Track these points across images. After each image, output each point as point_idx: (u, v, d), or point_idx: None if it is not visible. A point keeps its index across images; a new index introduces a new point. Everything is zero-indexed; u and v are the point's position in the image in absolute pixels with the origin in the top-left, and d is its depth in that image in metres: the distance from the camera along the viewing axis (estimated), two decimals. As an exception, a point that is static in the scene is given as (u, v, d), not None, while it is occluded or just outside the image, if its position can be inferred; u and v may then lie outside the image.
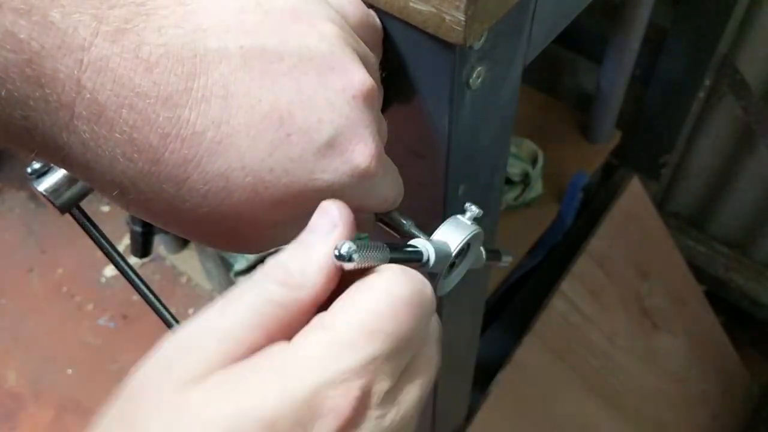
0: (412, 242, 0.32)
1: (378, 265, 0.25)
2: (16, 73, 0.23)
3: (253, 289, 0.24)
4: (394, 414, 0.24)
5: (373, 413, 0.23)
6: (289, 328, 0.24)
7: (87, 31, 0.23)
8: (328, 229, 0.25)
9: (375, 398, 0.23)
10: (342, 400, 0.22)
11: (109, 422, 0.23)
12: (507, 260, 0.43)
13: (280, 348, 0.23)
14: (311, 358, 0.22)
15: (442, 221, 0.36)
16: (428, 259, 0.31)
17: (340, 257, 0.24)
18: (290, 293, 0.24)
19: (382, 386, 0.23)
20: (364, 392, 0.22)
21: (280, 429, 0.21)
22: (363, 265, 0.25)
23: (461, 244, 0.34)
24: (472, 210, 0.34)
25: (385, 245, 0.27)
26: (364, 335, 0.23)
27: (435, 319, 0.27)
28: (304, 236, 0.25)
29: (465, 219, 0.35)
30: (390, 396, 0.24)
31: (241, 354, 0.23)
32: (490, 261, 0.40)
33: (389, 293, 0.24)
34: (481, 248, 0.38)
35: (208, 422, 0.21)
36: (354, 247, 0.24)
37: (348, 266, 0.24)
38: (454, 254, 0.33)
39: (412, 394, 0.25)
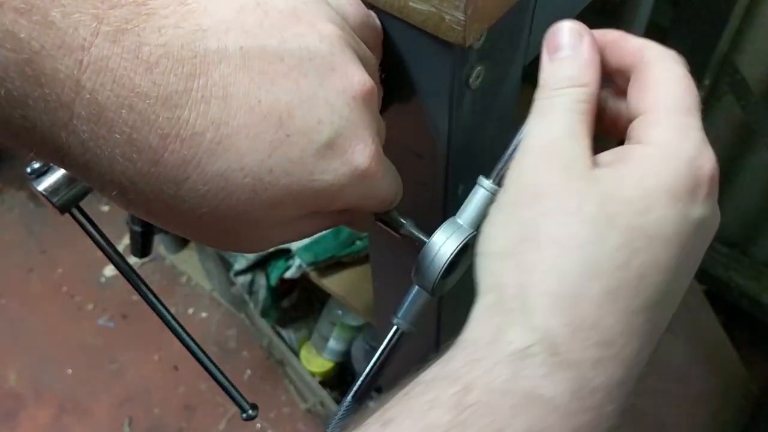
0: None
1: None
2: (15, 73, 0.23)
3: (560, 98, 0.30)
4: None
5: (717, 175, 0.29)
6: (593, 120, 0.30)
7: (87, 31, 0.23)
8: (575, 41, 0.32)
9: (715, 162, 0.29)
10: (710, 164, 0.28)
11: (528, 198, 0.28)
12: None
13: (643, 148, 0.29)
14: (674, 145, 0.28)
15: (442, 221, 0.36)
16: (404, 331, 0.34)
17: None
18: (586, 91, 0.30)
19: (711, 153, 0.29)
20: (712, 157, 0.29)
21: (679, 194, 0.27)
22: None
23: (452, 254, 0.34)
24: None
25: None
26: (690, 111, 0.30)
27: None
28: (559, 54, 0.32)
29: (461, 221, 0.35)
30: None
31: (590, 149, 0.29)
32: None
33: (677, 81, 0.30)
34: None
35: (630, 194, 0.27)
36: None
37: None
38: (444, 267, 0.34)
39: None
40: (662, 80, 0.30)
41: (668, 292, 0.28)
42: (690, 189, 0.27)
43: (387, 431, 0.26)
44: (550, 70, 0.31)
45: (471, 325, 0.28)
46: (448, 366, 0.27)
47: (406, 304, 0.36)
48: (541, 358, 0.26)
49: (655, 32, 1.05)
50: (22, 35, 0.23)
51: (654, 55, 0.31)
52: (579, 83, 0.30)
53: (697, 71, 1.06)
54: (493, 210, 0.30)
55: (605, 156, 0.30)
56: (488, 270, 0.29)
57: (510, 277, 0.28)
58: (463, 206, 0.34)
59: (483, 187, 0.33)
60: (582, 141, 0.29)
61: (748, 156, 1.20)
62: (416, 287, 0.35)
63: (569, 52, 0.31)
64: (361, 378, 0.34)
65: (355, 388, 0.35)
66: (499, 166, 0.32)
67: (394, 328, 0.36)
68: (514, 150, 0.31)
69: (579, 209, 0.27)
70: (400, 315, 0.36)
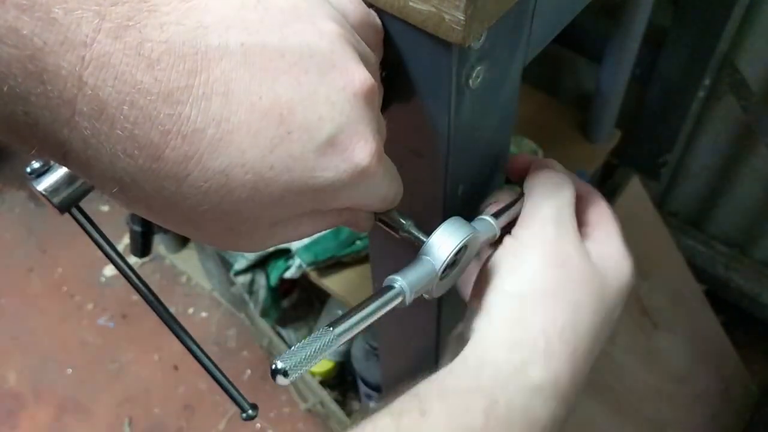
0: (388, 281, 0.33)
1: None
2: (18, 69, 0.23)
3: (566, 191, 0.41)
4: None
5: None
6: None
7: (89, 28, 0.23)
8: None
9: None
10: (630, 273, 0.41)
11: (549, 258, 0.38)
12: None
13: (607, 249, 0.42)
14: (622, 263, 0.43)
15: (442, 220, 0.36)
16: (405, 298, 0.33)
17: (274, 373, 0.27)
18: (573, 197, 0.41)
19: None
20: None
21: (625, 289, 0.42)
22: (308, 368, 0.28)
23: (451, 254, 0.34)
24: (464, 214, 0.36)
25: (325, 330, 0.29)
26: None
27: None
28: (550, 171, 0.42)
29: (459, 221, 0.35)
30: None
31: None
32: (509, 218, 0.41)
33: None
34: (491, 221, 0.38)
35: (605, 271, 0.41)
36: (285, 364, 0.27)
37: (287, 381, 0.27)
38: (441, 270, 0.34)
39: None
40: (603, 211, 0.45)
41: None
42: (624, 289, 0.44)
43: (426, 419, 0.33)
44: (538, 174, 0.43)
45: (495, 350, 0.36)
46: (479, 381, 0.35)
47: (413, 270, 0.34)
48: (548, 393, 0.36)
49: (656, 32, 1.05)
50: (25, 32, 0.23)
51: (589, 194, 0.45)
52: (573, 188, 0.42)
53: (697, 71, 1.06)
54: (529, 254, 0.38)
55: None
56: (514, 307, 0.37)
57: (537, 321, 0.36)
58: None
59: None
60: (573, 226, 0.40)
61: (748, 156, 1.20)
62: (425, 258, 0.34)
63: (556, 173, 0.43)
64: (346, 313, 0.32)
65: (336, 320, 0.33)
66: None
67: (392, 289, 0.34)
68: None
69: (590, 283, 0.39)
70: (402, 275, 0.34)
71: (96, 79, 0.24)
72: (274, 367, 0.26)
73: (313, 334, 0.29)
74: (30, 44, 0.23)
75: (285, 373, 0.26)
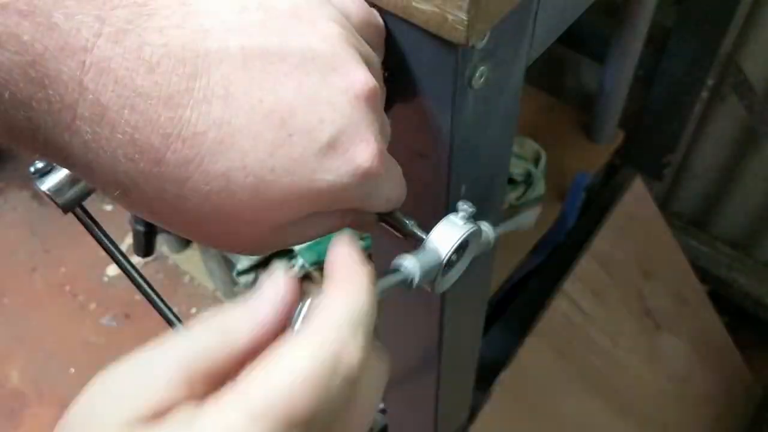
0: (397, 261, 0.32)
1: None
2: (19, 75, 0.23)
3: (185, 339, 0.24)
4: None
5: None
6: (215, 377, 0.23)
7: (90, 32, 0.23)
8: (274, 297, 0.25)
9: None
10: None
11: None
12: (529, 217, 0.43)
13: (186, 413, 0.22)
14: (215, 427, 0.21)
15: (443, 221, 0.36)
16: (413, 280, 0.32)
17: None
18: (222, 341, 0.24)
19: None
20: None
21: None
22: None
23: (452, 249, 0.34)
24: (465, 209, 0.34)
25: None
26: (272, 416, 0.21)
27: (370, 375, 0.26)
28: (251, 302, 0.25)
29: (458, 219, 0.35)
30: None
31: (160, 409, 0.22)
32: (505, 230, 0.40)
33: (296, 372, 0.22)
34: (487, 229, 0.38)
35: None
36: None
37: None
38: (444, 260, 0.33)
39: None
40: (268, 368, 0.23)
41: None
42: None
43: None
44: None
45: None
46: None
47: (419, 253, 0.33)
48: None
49: (659, 32, 1.05)
50: (26, 37, 0.23)
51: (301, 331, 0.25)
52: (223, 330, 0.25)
53: (700, 72, 1.06)
54: None
55: None
56: None
57: None
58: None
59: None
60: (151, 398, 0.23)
61: (752, 156, 1.20)
62: (430, 246, 0.34)
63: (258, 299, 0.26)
64: None
65: None
66: None
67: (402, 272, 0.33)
68: None
69: None
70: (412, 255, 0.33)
71: (96, 84, 0.24)
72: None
73: None
74: (31, 50, 0.23)
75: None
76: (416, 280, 0.32)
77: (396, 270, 0.32)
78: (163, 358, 0.23)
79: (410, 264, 0.32)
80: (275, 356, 0.23)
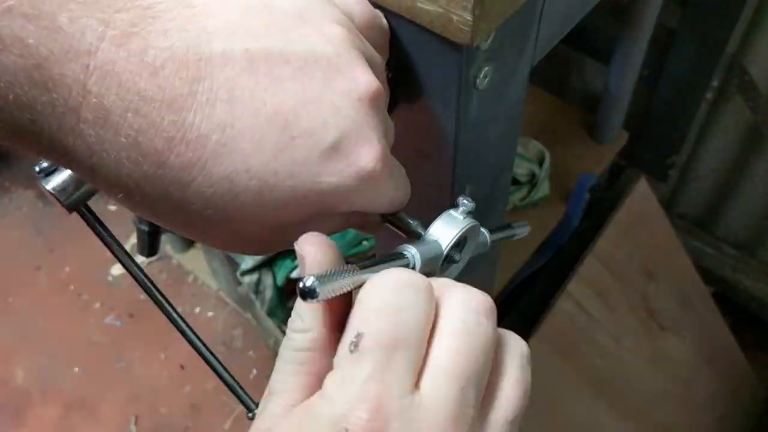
0: (399, 248, 0.32)
1: (354, 288, 0.27)
2: (23, 78, 0.23)
3: (286, 343, 0.28)
4: (422, 411, 0.25)
5: (400, 403, 0.24)
6: (322, 364, 0.27)
7: (94, 36, 0.23)
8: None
9: (393, 407, 0.24)
10: (361, 422, 0.24)
11: None
12: (523, 232, 0.43)
13: (305, 402, 0.26)
14: (322, 400, 0.25)
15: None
16: (414, 266, 0.31)
17: (303, 294, 0.25)
18: (304, 337, 0.27)
19: (393, 392, 0.24)
20: (373, 410, 0.24)
21: None
22: (334, 295, 0.26)
23: (452, 242, 0.34)
24: (465, 204, 0.34)
25: (354, 267, 0.27)
26: (349, 360, 0.25)
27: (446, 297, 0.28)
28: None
29: (458, 214, 0.35)
30: (411, 398, 0.25)
31: (298, 397, 0.27)
32: (499, 238, 0.40)
33: (361, 313, 0.26)
34: (484, 231, 0.37)
35: None
36: (316, 281, 0.25)
37: (314, 302, 0.25)
38: (445, 252, 0.33)
39: (438, 380, 0.25)
40: (351, 312, 0.26)
41: None
42: None
43: None
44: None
45: None
46: None
47: (420, 244, 0.34)
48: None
49: (664, 33, 1.05)
50: (30, 41, 0.23)
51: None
52: (302, 329, 0.28)
53: (705, 72, 1.06)
54: None
55: None
56: None
57: None
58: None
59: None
60: (278, 398, 0.27)
61: (757, 157, 1.19)
62: (430, 239, 0.34)
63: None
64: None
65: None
66: None
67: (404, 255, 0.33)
68: None
69: None
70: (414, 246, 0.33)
71: (100, 87, 0.24)
72: (302, 285, 0.25)
73: (340, 269, 0.28)
74: (36, 53, 0.23)
75: (313, 294, 0.26)
76: (418, 266, 0.32)
77: (399, 254, 0.32)
78: (278, 363, 0.28)
79: (412, 251, 0.32)
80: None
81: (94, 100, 0.24)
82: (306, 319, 0.27)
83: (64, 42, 0.23)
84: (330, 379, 0.25)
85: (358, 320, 0.25)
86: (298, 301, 0.27)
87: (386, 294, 0.26)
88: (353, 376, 0.24)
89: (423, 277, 0.27)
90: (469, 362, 0.26)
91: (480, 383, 0.26)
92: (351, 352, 0.25)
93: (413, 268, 0.32)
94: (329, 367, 0.26)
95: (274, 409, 0.27)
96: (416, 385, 0.25)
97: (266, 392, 0.28)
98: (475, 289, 0.28)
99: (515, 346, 0.29)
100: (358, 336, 0.25)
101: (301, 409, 0.26)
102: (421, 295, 0.26)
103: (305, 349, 0.27)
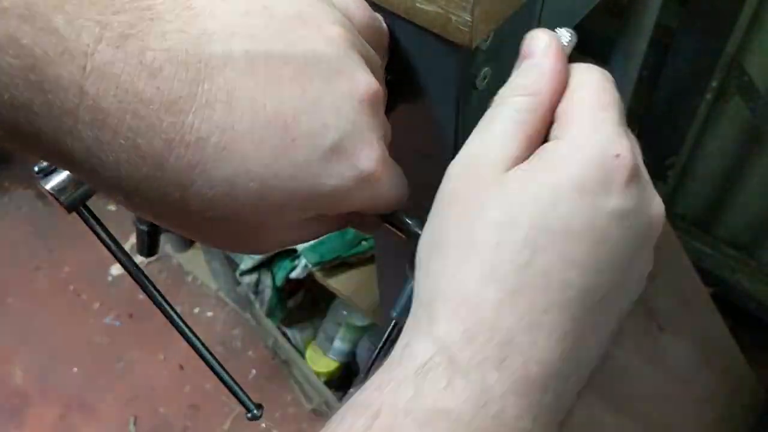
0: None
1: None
2: (20, 79, 0.23)
3: (503, 107, 0.30)
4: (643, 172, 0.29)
5: (640, 165, 0.29)
6: (541, 127, 0.29)
7: (90, 38, 0.23)
8: (543, 50, 0.30)
9: (637, 153, 0.29)
10: (626, 153, 0.27)
11: (444, 205, 0.29)
12: None
13: (555, 143, 0.28)
14: (584, 136, 0.28)
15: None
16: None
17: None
18: (533, 100, 0.29)
19: (631, 143, 0.29)
20: (629, 146, 0.28)
21: (588, 186, 0.26)
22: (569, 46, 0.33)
23: None
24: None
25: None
26: (604, 108, 0.29)
27: None
28: (525, 62, 0.31)
29: None
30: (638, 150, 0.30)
31: (520, 154, 0.28)
32: None
33: (593, 82, 0.30)
34: None
35: (534, 191, 0.27)
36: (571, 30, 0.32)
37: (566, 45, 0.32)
38: None
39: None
40: (579, 84, 0.30)
41: (590, 288, 0.26)
42: (601, 180, 0.27)
43: None
44: (509, 79, 0.31)
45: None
46: (362, 394, 0.26)
47: (404, 298, 0.36)
48: (441, 370, 0.25)
49: (663, 33, 1.05)
50: (25, 41, 0.22)
51: (576, 67, 0.31)
52: (528, 92, 0.30)
53: (704, 73, 1.06)
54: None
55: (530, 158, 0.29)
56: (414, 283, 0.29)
57: (422, 288, 0.28)
58: None
59: None
60: (508, 147, 0.28)
61: (756, 158, 1.19)
62: (412, 282, 0.35)
63: (530, 61, 0.31)
64: (365, 372, 0.34)
65: (358, 382, 0.35)
66: None
67: (393, 322, 0.36)
68: None
69: (482, 213, 0.27)
70: (398, 310, 0.36)
71: (97, 89, 0.23)
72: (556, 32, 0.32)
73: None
74: (31, 54, 0.23)
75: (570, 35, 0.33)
76: None
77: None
78: (495, 126, 0.29)
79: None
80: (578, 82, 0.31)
81: (91, 101, 0.24)
82: (536, 81, 0.30)
83: (60, 43, 0.23)
84: (582, 123, 0.28)
85: (595, 88, 0.30)
86: (527, 64, 0.31)
87: (605, 78, 0.30)
88: (611, 120, 0.28)
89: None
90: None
91: None
92: (599, 105, 0.29)
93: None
94: (542, 134, 0.29)
95: (509, 151, 0.28)
96: None
97: (470, 153, 0.29)
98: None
99: None
100: (602, 95, 0.29)
101: (550, 148, 0.28)
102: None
103: (530, 110, 0.29)
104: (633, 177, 0.27)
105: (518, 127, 0.29)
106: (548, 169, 0.27)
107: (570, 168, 0.27)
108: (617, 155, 0.27)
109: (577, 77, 0.30)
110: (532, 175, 0.27)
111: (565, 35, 0.33)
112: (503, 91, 0.30)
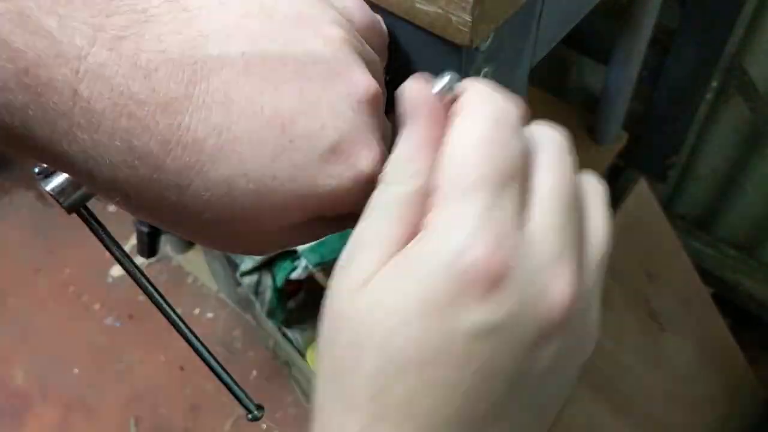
0: None
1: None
2: (13, 83, 0.23)
3: (380, 195, 0.27)
4: (538, 215, 0.25)
5: (514, 238, 0.24)
6: (421, 213, 0.26)
7: (84, 40, 0.23)
8: (414, 121, 0.27)
9: (509, 242, 0.23)
10: (483, 254, 0.23)
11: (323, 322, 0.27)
12: None
13: (413, 246, 0.25)
14: (437, 238, 0.24)
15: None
16: None
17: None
18: (413, 183, 0.26)
19: (507, 215, 0.24)
20: (492, 246, 0.23)
21: (436, 306, 0.23)
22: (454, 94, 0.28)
23: None
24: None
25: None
26: (472, 185, 0.24)
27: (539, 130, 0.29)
28: (403, 129, 0.28)
29: None
30: (521, 216, 0.25)
31: (395, 250, 0.25)
32: None
33: (461, 141, 0.25)
34: None
35: (380, 317, 0.24)
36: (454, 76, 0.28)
37: (450, 90, 0.28)
38: None
39: (545, 209, 0.25)
40: (448, 148, 0.25)
41: (471, 407, 0.23)
42: (453, 295, 0.23)
43: None
44: (393, 150, 0.28)
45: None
46: None
47: None
48: None
49: (663, 34, 1.05)
50: (18, 44, 0.22)
51: (462, 107, 0.26)
52: (408, 174, 0.26)
53: (704, 73, 1.06)
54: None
55: None
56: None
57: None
58: None
59: None
60: (376, 252, 0.25)
61: (756, 158, 1.19)
62: None
63: (409, 127, 0.27)
64: None
65: None
66: None
67: None
68: None
69: (338, 337, 0.25)
70: None
71: (91, 92, 0.23)
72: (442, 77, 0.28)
73: None
74: (24, 57, 0.23)
75: (453, 81, 0.28)
76: None
77: None
78: (373, 217, 0.27)
79: None
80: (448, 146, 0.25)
81: (86, 104, 0.23)
82: (417, 162, 0.26)
83: (52, 46, 0.23)
84: (438, 218, 0.24)
85: (461, 157, 0.24)
86: (401, 148, 0.27)
87: (486, 128, 0.25)
88: (472, 212, 0.23)
89: (513, 108, 0.26)
90: (570, 189, 0.26)
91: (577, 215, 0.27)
92: (459, 188, 0.24)
93: None
94: (422, 211, 0.25)
95: (365, 265, 0.25)
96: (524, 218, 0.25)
97: (342, 259, 0.27)
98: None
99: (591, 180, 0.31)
100: (466, 171, 0.24)
101: (404, 254, 0.24)
102: (517, 130, 0.26)
103: (411, 194, 0.26)
104: (497, 282, 0.23)
105: (394, 224, 0.26)
106: (395, 290, 0.24)
107: (417, 285, 0.23)
108: (474, 260, 0.23)
109: (450, 131, 0.26)
110: (380, 297, 0.24)
111: (443, 80, 0.29)
112: (386, 173, 0.27)
